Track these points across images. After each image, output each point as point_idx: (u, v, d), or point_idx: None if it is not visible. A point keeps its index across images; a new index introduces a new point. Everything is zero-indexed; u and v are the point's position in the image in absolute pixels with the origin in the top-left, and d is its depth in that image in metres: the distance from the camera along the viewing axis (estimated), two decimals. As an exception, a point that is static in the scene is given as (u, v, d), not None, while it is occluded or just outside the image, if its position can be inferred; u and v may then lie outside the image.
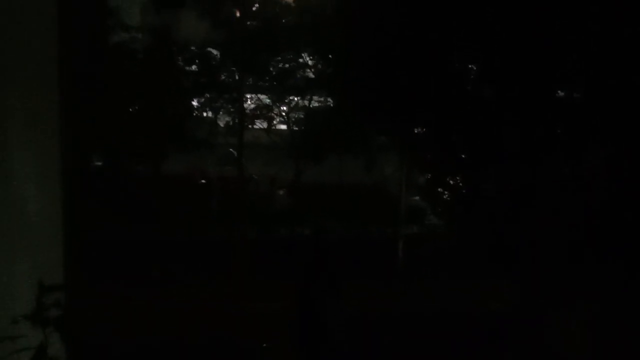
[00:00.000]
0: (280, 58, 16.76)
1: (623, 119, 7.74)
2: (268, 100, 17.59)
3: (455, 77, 10.01)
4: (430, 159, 11.87)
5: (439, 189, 12.93)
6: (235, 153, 17.02)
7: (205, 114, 17.27)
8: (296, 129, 17.62)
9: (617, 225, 7.50)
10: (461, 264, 11.99)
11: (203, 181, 16.98)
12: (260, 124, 17.89)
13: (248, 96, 17.43)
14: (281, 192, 17.20)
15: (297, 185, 16.91)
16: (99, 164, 14.59)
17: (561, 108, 9.08)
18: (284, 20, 17.08)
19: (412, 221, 15.82)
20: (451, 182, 12.17)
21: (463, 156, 10.86)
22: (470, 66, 10.37)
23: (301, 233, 15.32)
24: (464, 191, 11.57)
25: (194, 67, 16.48)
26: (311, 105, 17.38)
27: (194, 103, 16.96)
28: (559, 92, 9.39)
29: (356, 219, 15.75)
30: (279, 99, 17.49)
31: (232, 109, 17.21)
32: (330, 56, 15.79)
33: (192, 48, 16.22)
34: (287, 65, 16.86)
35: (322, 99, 17.15)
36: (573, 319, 7.34)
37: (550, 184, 8.66)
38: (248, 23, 16.85)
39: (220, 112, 17.36)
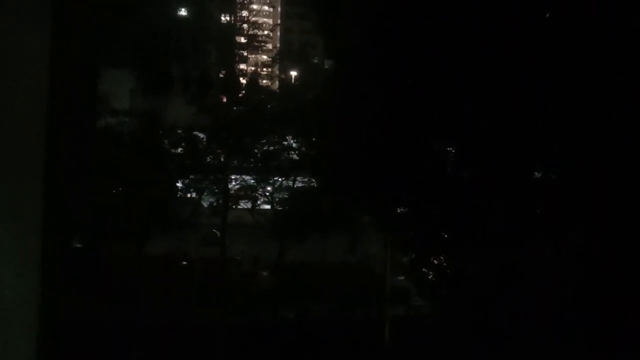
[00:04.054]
0: (265, 141, 17.20)
1: (600, 199, 7.94)
2: (252, 181, 17.80)
3: (436, 158, 10.30)
4: (413, 239, 11.91)
5: (424, 269, 12.86)
6: (218, 233, 16.92)
7: (189, 195, 17.35)
8: (280, 209, 17.71)
9: (600, 304, 7.49)
10: (448, 346, 11.69)
11: (184, 263, 16.70)
12: (244, 204, 17.97)
13: (233, 177, 17.64)
14: (264, 273, 16.94)
15: (281, 266, 16.71)
16: (80, 246, 14.36)
17: (539, 189, 9.31)
18: (269, 106, 17.73)
19: (398, 302, 15.55)
20: (435, 262, 12.14)
21: (445, 236, 10.93)
22: (449, 148, 10.71)
23: (285, 316, 14.94)
24: (448, 271, 11.53)
25: (179, 150, 16.78)
26: (295, 186, 17.60)
27: (179, 184, 17.09)
28: (537, 173, 9.66)
29: (340, 300, 15.46)
30: (263, 180, 17.73)
31: (216, 190, 17.34)
32: (313, 139, 16.23)
33: (179, 131, 16.59)
34: (271, 148, 17.26)
35: (305, 179, 17.41)
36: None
37: (532, 264, 8.70)
38: (234, 108, 17.43)
39: (205, 193, 17.46)
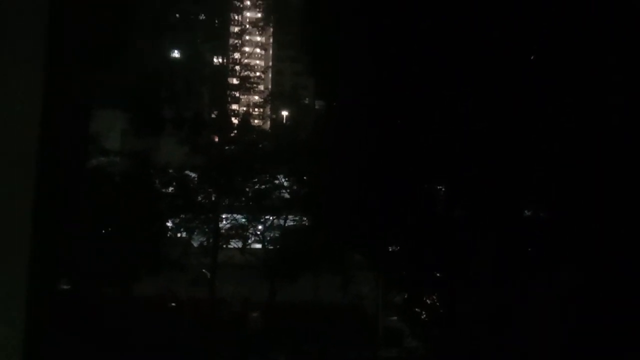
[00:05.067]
0: (256, 180, 17.23)
1: (592, 236, 7.96)
2: (243, 220, 17.72)
3: (427, 197, 10.34)
4: (405, 278, 11.81)
5: (417, 309, 12.70)
6: (208, 274, 16.69)
7: (179, 235, 17.20)
8: (271, 247, 17.58)
9: (598, 341, 7.41)
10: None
11: (173, 304, 16.39)
12: (234, 244, 17.82)
13: (224, 216, 17.56)
14: (255, 314, 16.63)
15: (272, 306, 16.44)
16: (67, 286, 14.08)
17: (531, 227, 9.33)
18: (260, 145, 17.88)
19: (390, 342, 15.28)
20: (428, 301, 12.00)
21: (438, 275, 10.85)
22: (439, 187, 10.76)
23: (276, 358, 14.61)
24: (441, 311, 11.39)
25: (170, 190, 16.73)
26: (286, 225, 17.53)
27: (169, 224, 16.96)
28: (527, 211, 9.70)
29: (332, 341, 15.18)
30: (254, 219, 17.66)
31: (206, 229, 17.22)
32: (305, 178, 16.29)
33: (170, 171, 16.59)
34: (263, 187, 17.28)
35: (297, 218, 17.37)
36: None
37: (526, 302, 8.63)
38: (226, 148, 17.54)
39: (195, 233, 17.33)
